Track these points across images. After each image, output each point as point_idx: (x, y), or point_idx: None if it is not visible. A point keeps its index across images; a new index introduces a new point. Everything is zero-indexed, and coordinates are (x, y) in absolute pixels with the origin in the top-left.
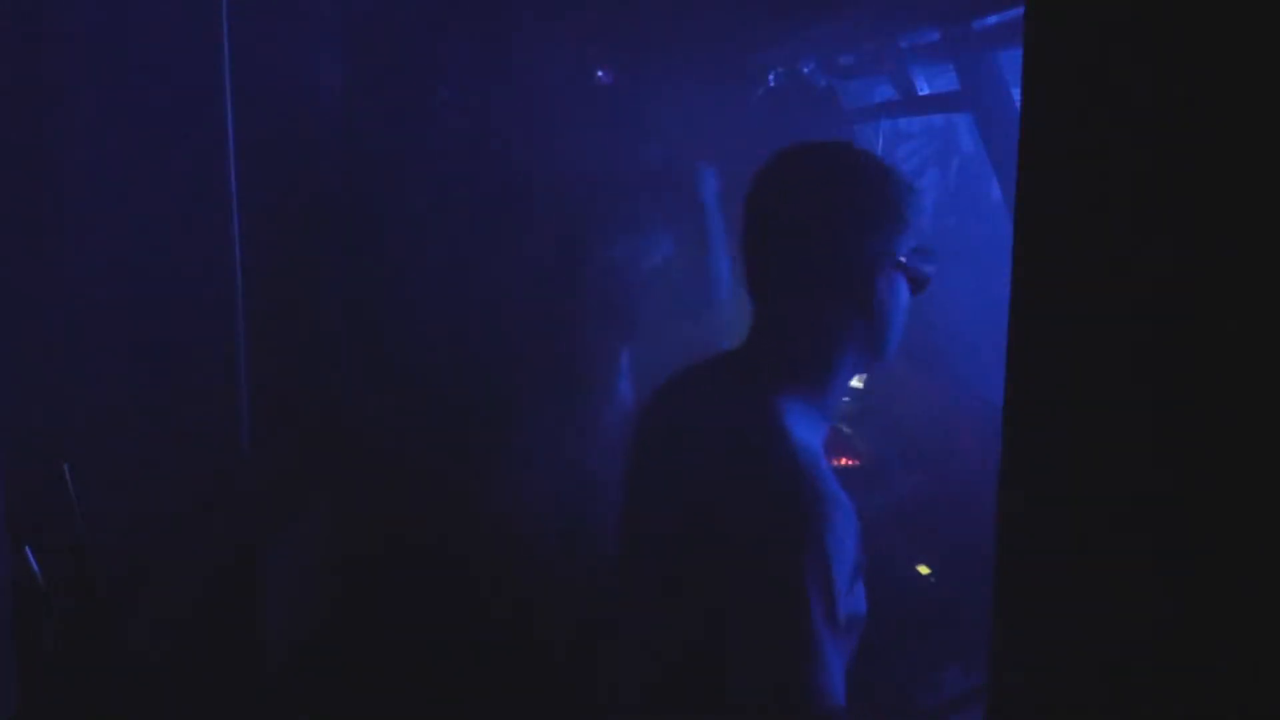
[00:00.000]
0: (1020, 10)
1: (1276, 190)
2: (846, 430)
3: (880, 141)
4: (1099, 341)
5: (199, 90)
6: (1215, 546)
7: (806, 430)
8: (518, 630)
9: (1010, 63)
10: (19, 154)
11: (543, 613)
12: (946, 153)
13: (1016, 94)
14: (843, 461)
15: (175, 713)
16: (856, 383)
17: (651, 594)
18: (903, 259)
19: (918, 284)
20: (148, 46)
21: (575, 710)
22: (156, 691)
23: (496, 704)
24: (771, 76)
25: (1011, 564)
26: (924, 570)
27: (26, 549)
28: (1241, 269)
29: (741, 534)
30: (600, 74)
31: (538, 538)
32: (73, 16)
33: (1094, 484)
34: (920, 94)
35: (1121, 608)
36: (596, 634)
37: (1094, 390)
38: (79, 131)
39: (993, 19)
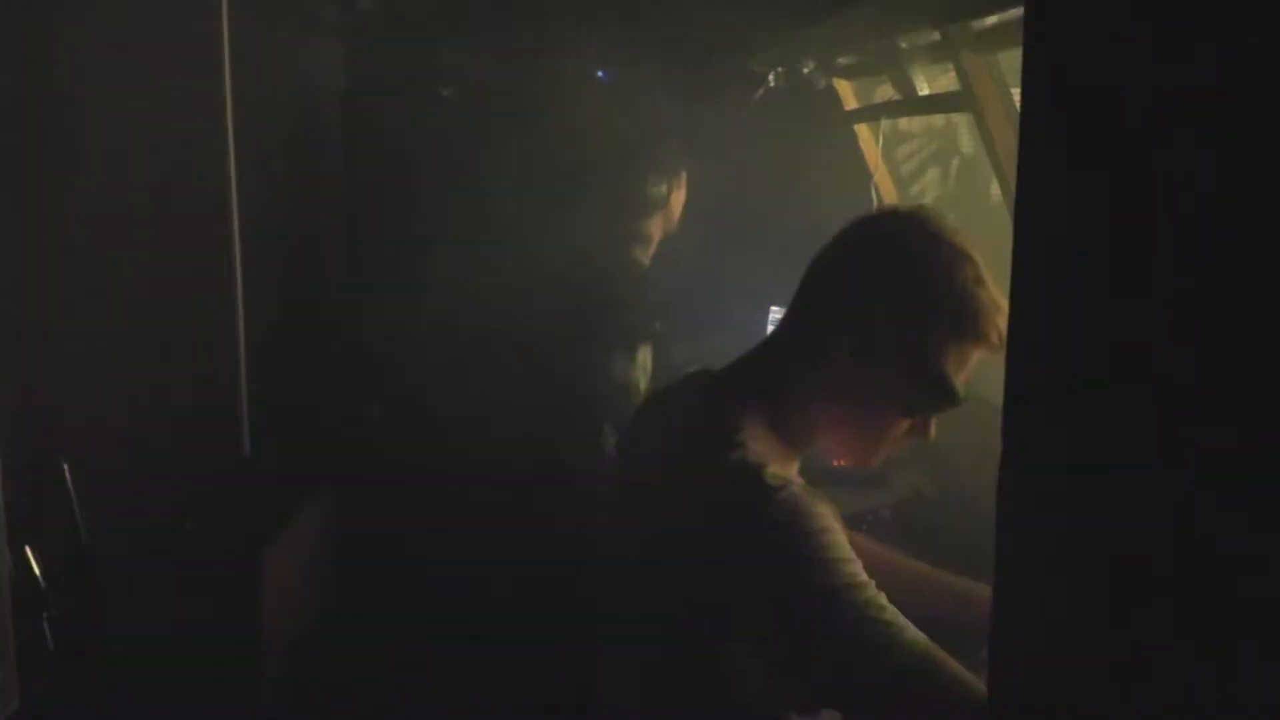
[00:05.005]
0: (1020, 10)
1: (1278, 190)
2: None
3: (880, 141)
4: (1099, 341)
5: (199, 89)
6: (1216, 546)
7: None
8: (518, 629)
9: (1010, 63)
10: (18, 153)
11: (543, 611)
12: (946, 153)
13: (1016, 94)
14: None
15: (175, 712)
16: None
17: (635, 609)
18: None
19: None
20: (148, 46)
21: (576, 710)
22: (157, 691)
23: (497, 704)
24: (771, 76)
25: (1011, 564)
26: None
27: (26, 549)
28: (1242, 268)
29: (721, 556)
30: (600, 73)
31: (537, 536)
32: (73, 15)
33: (1094, 483)
34: (920, 94)
35: (1122, 607)
36: (596, 635)
37: (1094, 390)
38: (78, 130)
39: (993, 19)
